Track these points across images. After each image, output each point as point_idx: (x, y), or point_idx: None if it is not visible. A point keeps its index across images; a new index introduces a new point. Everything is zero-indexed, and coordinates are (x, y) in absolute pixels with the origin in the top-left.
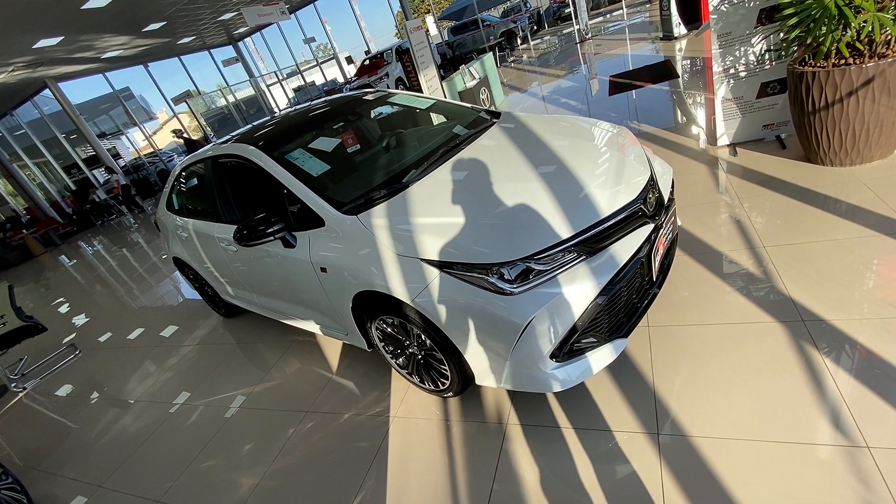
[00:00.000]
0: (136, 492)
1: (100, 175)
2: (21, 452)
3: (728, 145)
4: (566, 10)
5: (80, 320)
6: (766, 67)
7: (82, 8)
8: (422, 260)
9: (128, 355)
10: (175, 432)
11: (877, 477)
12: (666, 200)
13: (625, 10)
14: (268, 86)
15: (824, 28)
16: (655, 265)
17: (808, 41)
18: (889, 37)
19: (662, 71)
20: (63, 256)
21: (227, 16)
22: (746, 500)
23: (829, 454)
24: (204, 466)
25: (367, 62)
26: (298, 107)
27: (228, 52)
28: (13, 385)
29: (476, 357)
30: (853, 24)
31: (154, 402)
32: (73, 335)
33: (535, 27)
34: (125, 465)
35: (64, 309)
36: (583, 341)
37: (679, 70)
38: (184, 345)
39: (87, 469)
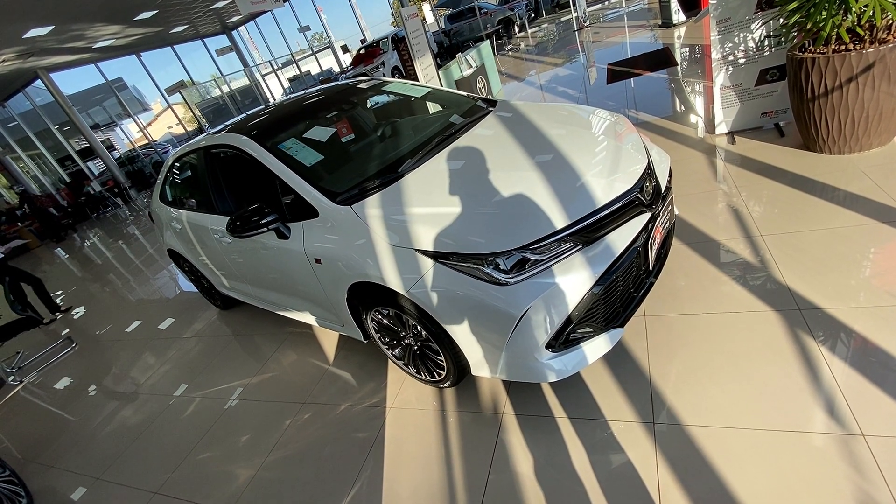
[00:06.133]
0: (134, 483)
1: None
2: (19, 445)
3: (726, 133)
4: None
5: (76, 313)
6: (765, 54)
7: None
8: (417, 250)
9: (125, 348)
10: (172, 424)
11: (872, 464)
12: (663, 189)
13: None
14: (263, 75)
15: (825, 13)
16: (652, 254)
17: (808, 26)
18: (890, 21)
19: (661, 59)
20: (59, 249)
21: (220, 3)
22: (742, 488)
23: (825, 442)
24: (201, 458)
25: (363, 51)
26: (293, 96)
27: (222, 41)
28: (10, 378)
29: (472, 347)
30: (854, 9)
31: (151, 395)
32: (70, 328)
33: (533, 15)
34: (122, 457)
35: (59, 302)
36: (578, 331)
37: (678, 58)
38: (181, 337)
39: (85, 461)
